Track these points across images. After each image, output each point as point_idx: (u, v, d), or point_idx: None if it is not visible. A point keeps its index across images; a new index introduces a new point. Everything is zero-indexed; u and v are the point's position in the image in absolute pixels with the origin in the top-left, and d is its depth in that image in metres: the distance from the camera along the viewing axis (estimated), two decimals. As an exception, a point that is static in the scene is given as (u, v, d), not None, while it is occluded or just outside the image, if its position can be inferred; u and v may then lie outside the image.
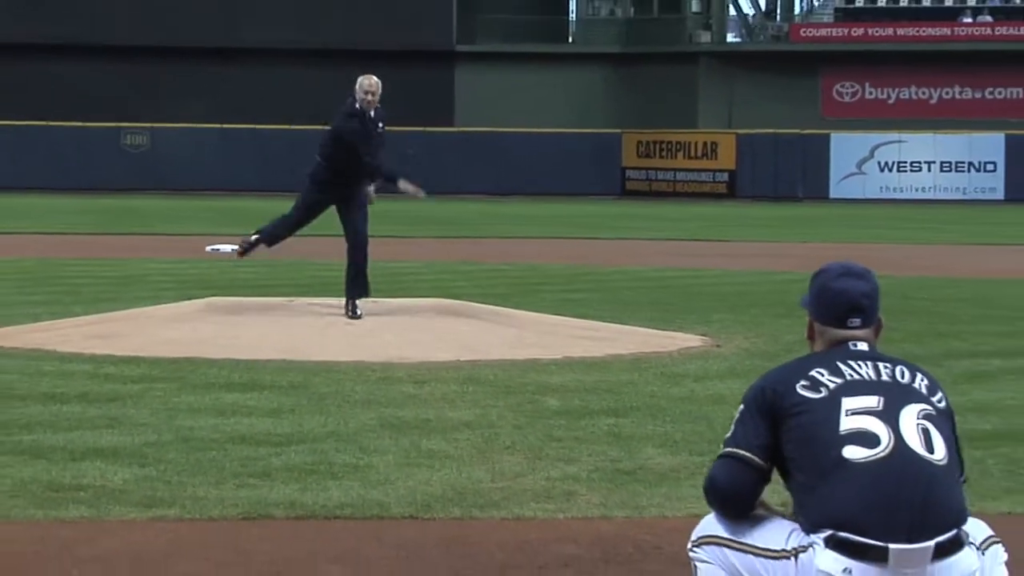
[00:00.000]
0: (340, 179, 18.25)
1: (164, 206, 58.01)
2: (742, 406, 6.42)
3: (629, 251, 36.62)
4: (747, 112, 76.88)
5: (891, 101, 78.07)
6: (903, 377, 6.30)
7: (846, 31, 78.86)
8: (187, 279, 26.41)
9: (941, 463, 6.05)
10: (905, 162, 73.68)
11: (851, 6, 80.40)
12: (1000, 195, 71.67)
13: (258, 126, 73.84)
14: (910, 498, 5.96)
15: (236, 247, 19.20)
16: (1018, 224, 52.09)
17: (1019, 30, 77.78)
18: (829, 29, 79.90)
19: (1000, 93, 77.11)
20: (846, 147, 73.99)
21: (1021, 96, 76.95)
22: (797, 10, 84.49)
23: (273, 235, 18.84)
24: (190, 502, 9.64)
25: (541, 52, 79.73)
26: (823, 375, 6.30)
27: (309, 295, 21.06)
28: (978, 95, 77.30)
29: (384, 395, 13.87)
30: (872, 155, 73.88)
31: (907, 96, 78.04)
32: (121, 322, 18.40)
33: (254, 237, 18.85)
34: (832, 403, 6.21)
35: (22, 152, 72.49)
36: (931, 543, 5.93)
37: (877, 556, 5.91)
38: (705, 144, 76.33)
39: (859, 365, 6.35)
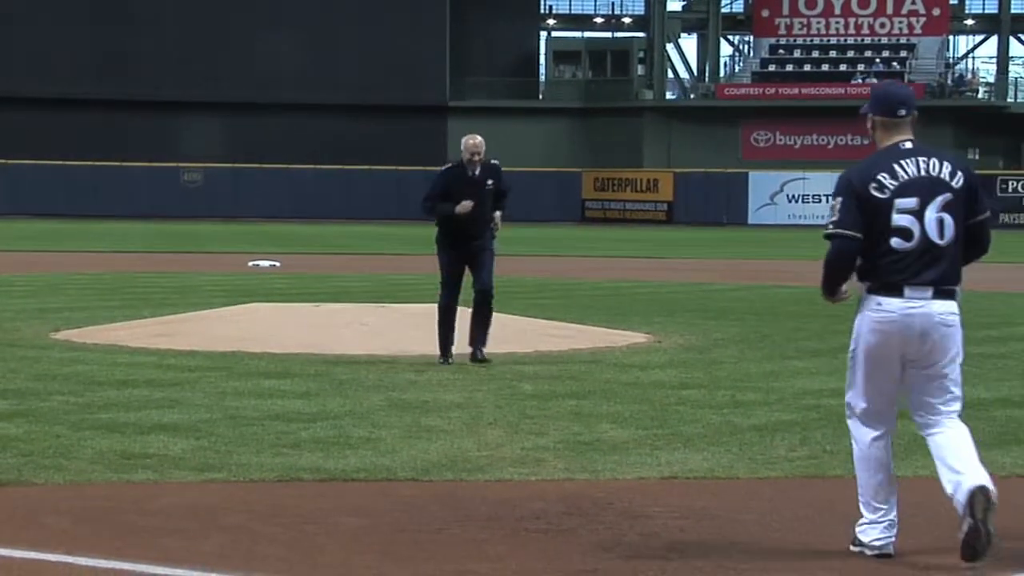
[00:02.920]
0: (454, 233, 15.49)
1: (214, 230, 57.92)
2: (840, 198, 7.45)
3: (587, 266, 36.62)
4: (682, 155, 76.95)
5: (797, 146, 78.15)
6: (935, 170, 7.39)
7: (761, 90, 78.98)
8: (233, 288, 26.36)
9: (947, 245, 7.32)
10: (808, 195, 73.71)
11: (765, 70, 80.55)
12: (884, 221, 71.83)
13: (290, 166, 73.80)
14: (923, 266, 7.30)
15: (441, 359, 15.20)
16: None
17: (899, 90, 77.93)
18: (748, 88, 79.99)
19: (884, 140, 77.18)
20: (761, 183, 74.08)
21: (900, 142, 77.09)
22: (722, 73, 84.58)
23: (445, 322, 15.52)
24: (235, 467, 9.62)
25: (517, 107, 79.75)
26: (885, 179, 7.37)
27: (332, 302, 21.03)
28: (866, 142, 75.82)
29: (391, 381, 13.85)
30: (782, 189, 73.96)
31: (810, 142, 78.11)
32: (180, 323, 18.37)
33: (440, 356, 15.30)
34: (888, 204, 7.33)
35: (101, 186, 72.43)
36: (931, 285, 7.30)
37: (896, 290, 7.31)
38: (648, 180, 76.36)
39: (908, 163, 7.40)
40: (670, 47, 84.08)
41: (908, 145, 7.45)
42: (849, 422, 7.69)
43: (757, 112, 77.58)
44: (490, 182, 15.50)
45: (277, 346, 16.08)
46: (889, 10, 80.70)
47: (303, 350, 15.86)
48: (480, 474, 9.55)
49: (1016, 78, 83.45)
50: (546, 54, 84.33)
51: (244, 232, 56.17)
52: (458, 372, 14.56)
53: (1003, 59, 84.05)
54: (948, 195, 7.33)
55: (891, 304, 7.34)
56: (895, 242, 7.29)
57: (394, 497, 8.89)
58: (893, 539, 7.52)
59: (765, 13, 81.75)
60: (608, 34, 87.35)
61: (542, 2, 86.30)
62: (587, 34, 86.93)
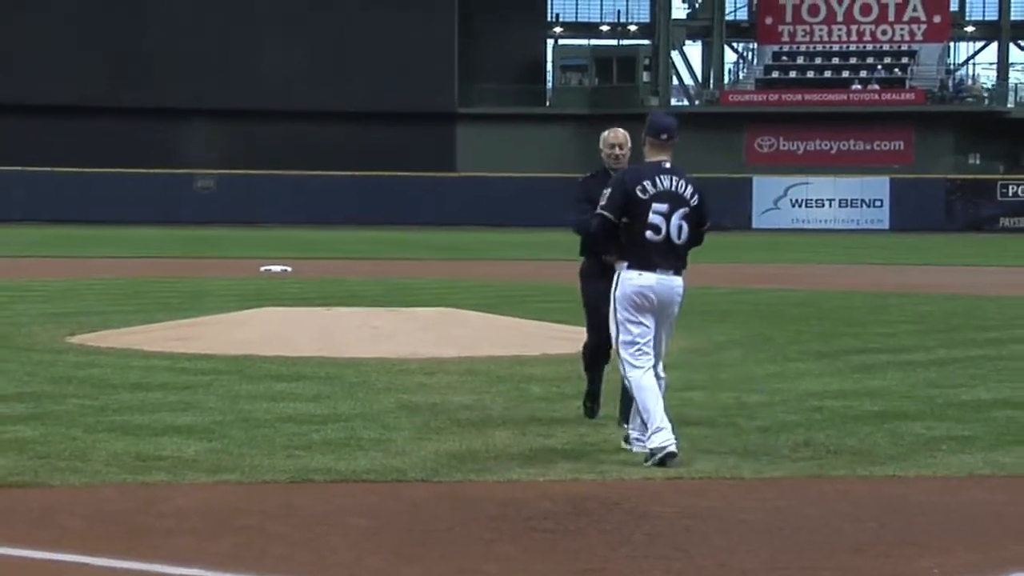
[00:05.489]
0: (595, 261, 11.20)
1: (227, 236, 57.94)
2: (610, 189, 10.04)
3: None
4: (687, 159, 76.24)
5: (800, 152, 78.11)
6: (681, 188, 10.02)
7: (765, 96, 78.97)
8: (246, 293, 26.36)
9: (681, 244, 10.05)
10: (811, 199, 73.73)
11: (769, 77, 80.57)
12: (886, 225, 71.76)
13: (301, 172, 73.83)
14: (667, 256, 9.98)
15: (587, 414, 11.92)
16: (899, 248, 52.12)
17: (899, 96, 77.95)
18: (751, 95, 79.97)
19: (885, 145, 77.21)
20: (765, 188, 74.03)
21: (901, 148, 77.07)
22: (726, 80, 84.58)
23: (590, 368, 11.94)
24: (248, 469, 9.62)
25: (524, 113, 79.81)
26: (647, 185, 9.94)
27: (343, 305, 21.03)
28: (868, 147, 77.38)
29: (401, 384, 13.84)
30: (786, 194, 73.91)
31: (813, 147, 78.09)
32: (194, 327, 18.36)
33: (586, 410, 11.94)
34: (648, 204, 9.92)
35: (115, 193, 72.46)
36: (672, 268, 10.02)
37: (651, 267, 9.94)
38: (654, 186, 76.38)
39: (664, 179, 9.98)
40: (675, 54, 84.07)
41: (667, 165, 10.04)
42: (626, 369, 9.94)
43: (761, 118, 77.55)
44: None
45: (289, 349, 16.08)
46: (891, 17, 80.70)
47: (314, 353, 15.86)
48: (489, 475, 9.55)
49: (1016, 84, 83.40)
50: (553, 61, 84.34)
51: (256, 237, 56.20)
52: (466, 375, 14.54)
53: (1003, 65, 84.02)
54: (686, 208, 9.96)
55: (648, 277, 9.93)
56: (648, 234, 9.89)
57: (404, 498, 8.88)
58: (676, 441, 9.74)
59: (769, 20, 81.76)
60: (614, 42, 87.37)
61: (549, 10, 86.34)
62: (593, 42, 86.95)
